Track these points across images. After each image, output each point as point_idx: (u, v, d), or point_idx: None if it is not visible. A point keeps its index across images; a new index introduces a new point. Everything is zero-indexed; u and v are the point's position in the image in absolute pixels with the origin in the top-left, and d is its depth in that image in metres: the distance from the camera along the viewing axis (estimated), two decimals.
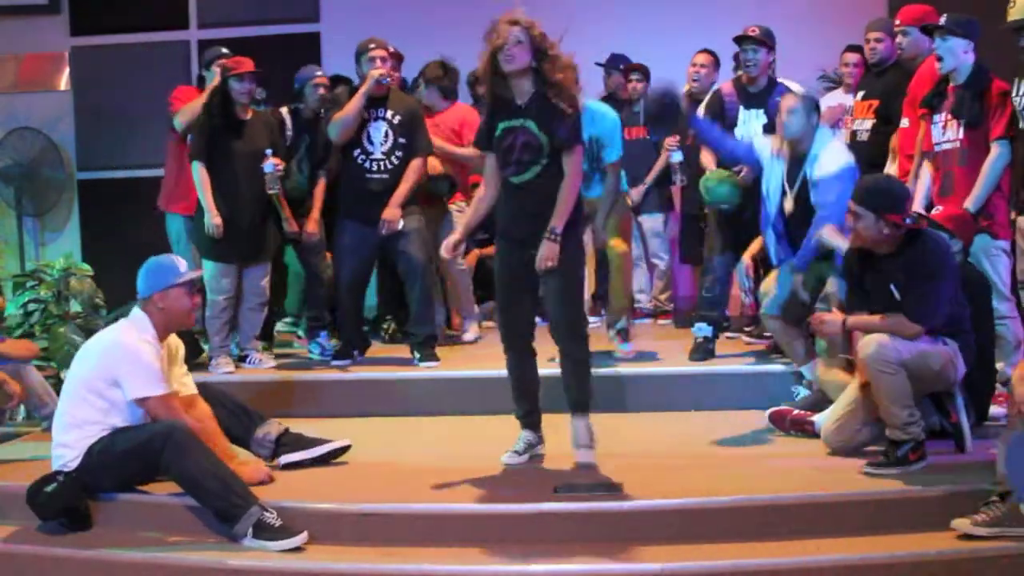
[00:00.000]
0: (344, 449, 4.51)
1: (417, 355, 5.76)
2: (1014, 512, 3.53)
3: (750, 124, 5.62)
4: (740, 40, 5.66)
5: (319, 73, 6.18)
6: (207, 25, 8.53)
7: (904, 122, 5.32)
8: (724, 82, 5.93)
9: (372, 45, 5.85)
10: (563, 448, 4.54)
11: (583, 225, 4.52)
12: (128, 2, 8.61)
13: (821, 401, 4.74)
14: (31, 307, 6.52)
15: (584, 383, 4.34)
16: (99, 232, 8.48)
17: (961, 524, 3.57)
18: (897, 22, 5.45)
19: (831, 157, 4.80)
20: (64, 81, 8.71)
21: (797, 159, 4.90)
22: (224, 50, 6.21)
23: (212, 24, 8.50)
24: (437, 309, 6.20)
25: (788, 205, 4.91)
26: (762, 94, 5.64)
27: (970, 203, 4.68)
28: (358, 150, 5.77)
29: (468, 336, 6.55)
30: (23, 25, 8.63)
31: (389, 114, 5.79)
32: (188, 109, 5.90)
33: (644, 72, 7.15)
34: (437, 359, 5.75)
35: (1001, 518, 3.53)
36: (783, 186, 4.94)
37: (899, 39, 5.41)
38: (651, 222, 7.16)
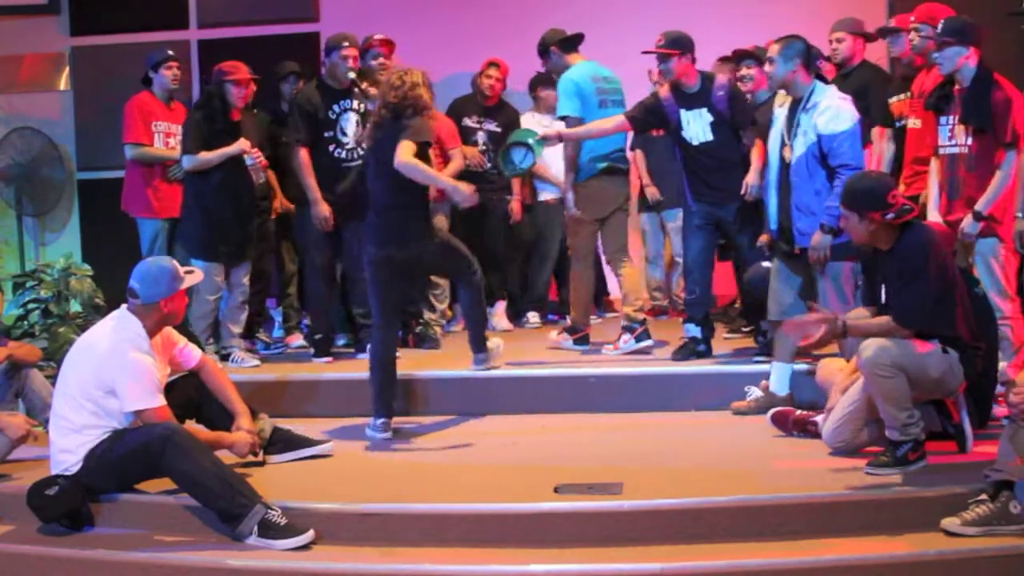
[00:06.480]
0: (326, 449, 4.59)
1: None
2: (1003, 511, 3.54)
3: (694, 124, 5.50)
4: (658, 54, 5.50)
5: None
6: (207, 25, 8.53)
7: (915, 122, 5.27)
8: (662, 86, 5.66)
9: (346, 43, 5.86)
10: (563, 448, 4.54)
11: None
12: (128, 2, 8.61)
13: (771, 404, 4.79)
14: (31, 307, 6.52)
15: None
16: (99, 232, 8.46)
17: (950, 523, 3.58)
18: (912, 19, 5.32)
19: (839, 112, 4.68)
20: (64, 81, 8.71)
21: (792, 106, 4.81)
22: (170, 52, 6.35)
23: (212, 24, 8.51)
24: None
25: (788, 154, 4.80)
26: (701, 93, 5.50)
27: (980, 206, 4.68)
28: (333, 144, 5.91)
29: None
30: (23, 25, 8.62)
31: (355, 104, 5.95)
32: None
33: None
34: None
35: (989, 517, 3.54)
36: (782, 137, 4.85)
37: (911, 35, 5.33)
38: (678, 219, 7.12)
